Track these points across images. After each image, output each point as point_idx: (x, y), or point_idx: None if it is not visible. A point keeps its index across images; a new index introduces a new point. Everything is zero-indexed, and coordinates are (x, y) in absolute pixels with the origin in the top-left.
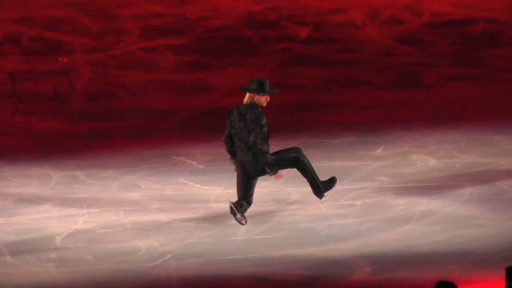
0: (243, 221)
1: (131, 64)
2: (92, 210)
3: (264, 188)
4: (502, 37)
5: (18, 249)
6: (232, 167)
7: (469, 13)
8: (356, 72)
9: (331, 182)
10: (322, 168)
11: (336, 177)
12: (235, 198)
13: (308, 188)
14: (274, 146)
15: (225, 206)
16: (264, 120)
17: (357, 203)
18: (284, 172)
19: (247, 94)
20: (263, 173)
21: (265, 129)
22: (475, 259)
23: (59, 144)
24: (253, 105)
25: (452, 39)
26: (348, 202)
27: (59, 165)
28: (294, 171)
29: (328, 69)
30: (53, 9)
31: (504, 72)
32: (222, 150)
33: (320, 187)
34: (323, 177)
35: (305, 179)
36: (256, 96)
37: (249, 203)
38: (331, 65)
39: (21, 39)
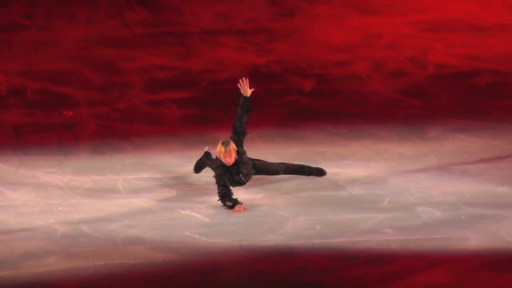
0: None
1: (135, 117)
2: None
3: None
4: (507, 89)
5: None
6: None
7: (474, 64)
8: (360, 124)
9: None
10: (328, 220)
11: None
12: None
13: None
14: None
15: None
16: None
17: (362, 255)
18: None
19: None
20: None
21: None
22: None
23: (63, 197)
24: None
25: (457, 91)
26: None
27: (64, 219)
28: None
29: (332, 121)
30: (57, 62)
31: (509, 123)
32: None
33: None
34: (329, 229)
35: None
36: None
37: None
38: (335, 117)
39: (25, 92)
